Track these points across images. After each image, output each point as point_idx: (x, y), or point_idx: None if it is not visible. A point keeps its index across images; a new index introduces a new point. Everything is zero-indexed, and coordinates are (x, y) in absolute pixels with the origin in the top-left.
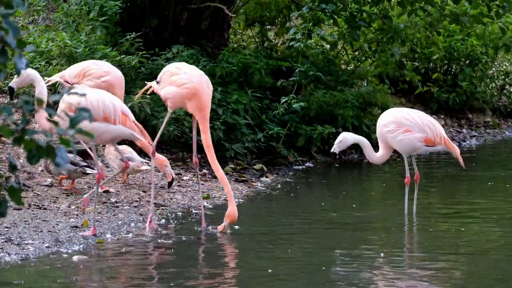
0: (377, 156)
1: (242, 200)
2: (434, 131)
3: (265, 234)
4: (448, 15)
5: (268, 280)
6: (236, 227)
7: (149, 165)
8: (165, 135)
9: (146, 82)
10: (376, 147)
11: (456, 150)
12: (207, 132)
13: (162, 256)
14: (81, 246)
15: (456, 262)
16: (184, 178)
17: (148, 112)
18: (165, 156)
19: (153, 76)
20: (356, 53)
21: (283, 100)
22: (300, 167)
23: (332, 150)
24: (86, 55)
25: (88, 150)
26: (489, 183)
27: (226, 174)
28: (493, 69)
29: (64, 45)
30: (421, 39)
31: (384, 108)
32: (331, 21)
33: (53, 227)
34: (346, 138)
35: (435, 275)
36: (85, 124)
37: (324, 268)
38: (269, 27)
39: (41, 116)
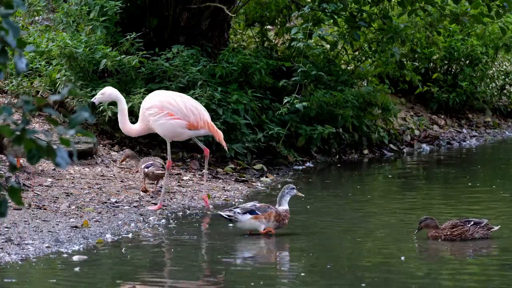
0: (131, 127)
1: (242, 200)
2: (198, 116)
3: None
4: (448, 15)
5: (268, 280)
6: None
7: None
8: None
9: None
10: (376, 147)
11: (219, 135)
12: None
13: (162, 256)
14: (81, 246)
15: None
16: (184, 178)
17: None
18: (164, 156)
19: (153, 76)
20: (356, 53)
21: (285, 100)
22: (300, 167)
23: (92, 100)
24: (86, 55)
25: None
26: (489, 183)
27: (226, 174)
28: (493, 69)
29: (65, 45)
30: (421, 39)
31: (384, 108)
32: (331, 21)
33: (53, 227)
34: (107, 92)
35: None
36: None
37: (323, 267)
38: (269, 27)
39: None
